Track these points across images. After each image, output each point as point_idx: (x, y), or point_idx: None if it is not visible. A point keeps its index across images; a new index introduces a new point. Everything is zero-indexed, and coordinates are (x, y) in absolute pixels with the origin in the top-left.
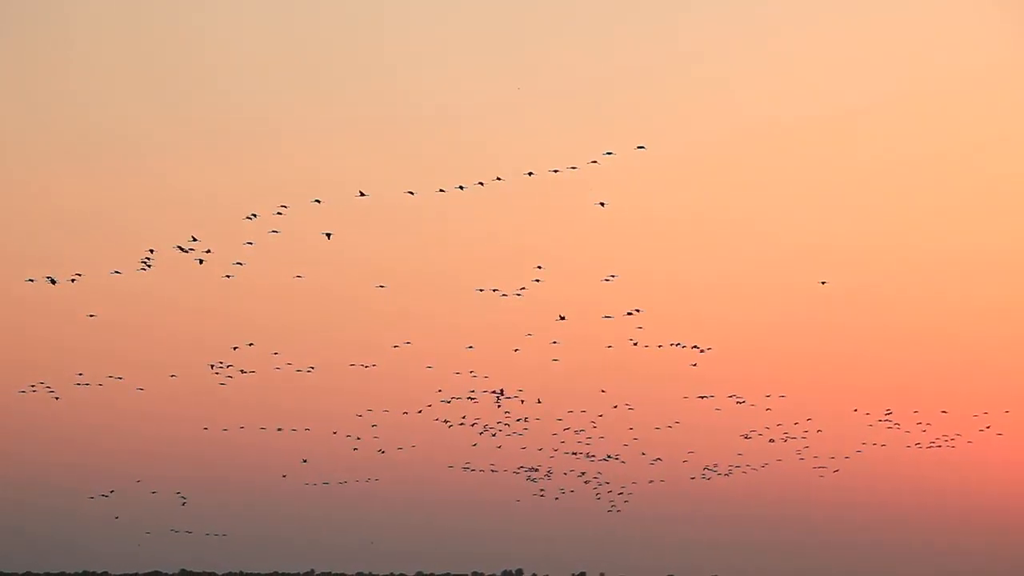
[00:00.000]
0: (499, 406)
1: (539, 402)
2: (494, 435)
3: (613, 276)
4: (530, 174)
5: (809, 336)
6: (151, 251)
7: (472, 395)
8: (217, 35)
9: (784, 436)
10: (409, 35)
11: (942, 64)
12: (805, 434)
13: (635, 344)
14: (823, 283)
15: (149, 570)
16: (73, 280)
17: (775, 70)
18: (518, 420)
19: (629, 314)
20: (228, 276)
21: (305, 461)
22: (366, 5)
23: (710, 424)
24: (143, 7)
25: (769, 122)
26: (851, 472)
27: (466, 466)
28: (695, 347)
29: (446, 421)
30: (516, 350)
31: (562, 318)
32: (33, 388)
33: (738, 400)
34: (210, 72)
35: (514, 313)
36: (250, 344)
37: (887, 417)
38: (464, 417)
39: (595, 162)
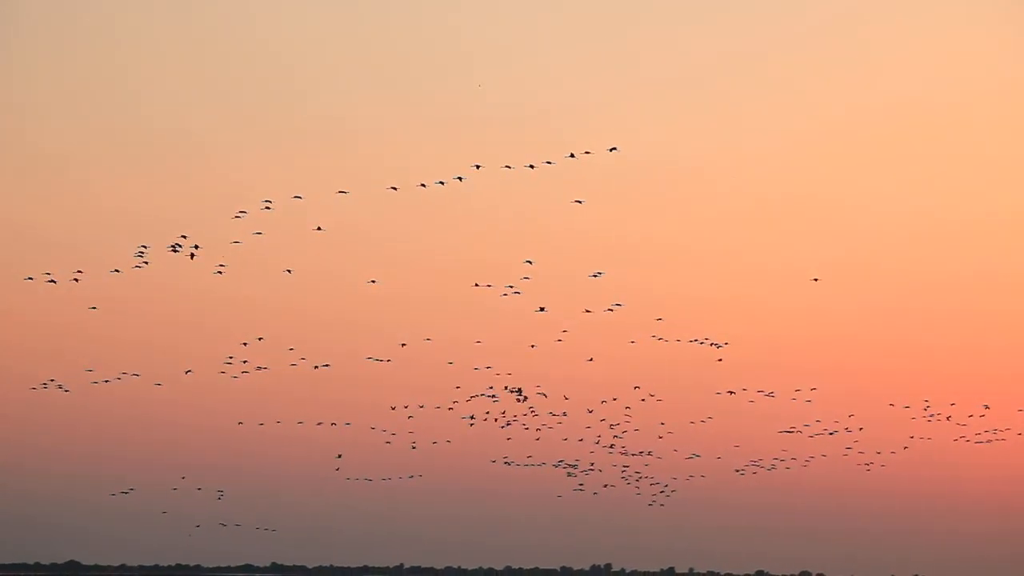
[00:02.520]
0: (521, 402)
1: (566, 399)
2: (526, 428)
3: (600, 272)
4: (508, 167)
5: (833, 329)
6: (144, 247)
7: (492, 392)
8: (201, 45)
9: (823, 431)
10: (390, 37)
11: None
12: (848, 431)
13: (661, 339)
14: (815, 280)
15: (240, 563)
16: (76, 280)
17: (777, 85)
18: (551, 414)
19: (610, 309)
20: (220, 272)
21: (340, 456)
22: (326, 10)
23: (746, 419)
24: (126, 16)
25: (796, 125)
26: (901, 466)
27: (507, 461)
28: (707, 340)
29: (471, 418)
30: (533, 346)
31: (542, 309)
32: (45, 386)
33: (767, 394)
34: (195, 81)
35: (523, 309)
36: (260, 339)
37: (926, 411)
38: (488, 412)
39: (572, 156)
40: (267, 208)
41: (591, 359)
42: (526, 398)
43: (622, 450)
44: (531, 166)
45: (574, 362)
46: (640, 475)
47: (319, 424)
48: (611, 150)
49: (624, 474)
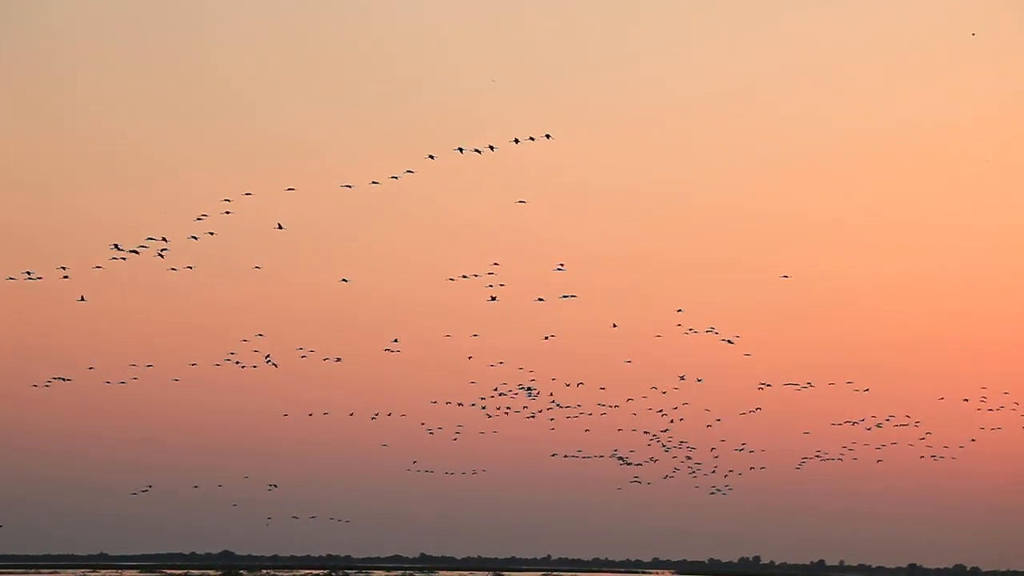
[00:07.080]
0: (533, 398)
1: (602, 388)
2: (570, 418)
3: (562, 266)
4: (460, 150)
5: (857, 325)
6: (116, 245)
7: (507, 387)
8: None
9: (877, 424)
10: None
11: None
12: (917, 424)
13: (690, 331)
14: (785, 277)
15: (390, 554)
16: (66, 278)
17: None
18: (599, 404)
19: (564, 297)
20: (190, 267)
21: (385, 445)
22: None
23: (797, 411)
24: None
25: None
26: (973, 457)
27: (565, 455)
28: (710, 330)
29: (499, 410)
30: (546, 338)
31: (493, 299)
32: (48, 384)
33: (804, 386)
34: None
35: (522, 304)
36: (259, 335)
37: (984, 401)
38: (511, 408)
39: (516, 141)
40: (228, 212)
41: (629, 361)
42: (538, 393)
43: (669, 440)
44: (477, 151)
45: (600, 356)
46: (700, 465)
47: (374, 417)
48: (546, 136)
49: (682, 465)
